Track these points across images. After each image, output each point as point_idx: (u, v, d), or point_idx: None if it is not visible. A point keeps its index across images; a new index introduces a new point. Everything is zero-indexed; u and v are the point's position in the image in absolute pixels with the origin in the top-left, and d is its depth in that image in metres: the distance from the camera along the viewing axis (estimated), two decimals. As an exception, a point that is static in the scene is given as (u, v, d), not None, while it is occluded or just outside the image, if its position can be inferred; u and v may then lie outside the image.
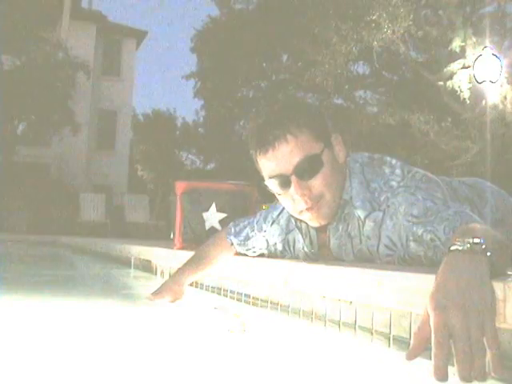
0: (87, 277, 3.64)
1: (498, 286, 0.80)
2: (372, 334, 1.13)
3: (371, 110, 14.99)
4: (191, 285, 1.91)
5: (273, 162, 1.31)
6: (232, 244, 1.78)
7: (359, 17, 10.62)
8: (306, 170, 1.30)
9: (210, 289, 2.09)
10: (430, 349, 0.70)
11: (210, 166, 24.23)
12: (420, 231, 1.23)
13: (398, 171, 1.37)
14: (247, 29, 15.84)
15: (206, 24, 18.24)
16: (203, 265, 1.77)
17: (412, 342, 0.75)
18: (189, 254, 1.89)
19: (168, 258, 2.72)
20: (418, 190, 1.29)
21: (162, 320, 1.59)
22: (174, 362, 1.06)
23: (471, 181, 1.87)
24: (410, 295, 1.00)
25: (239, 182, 3.00)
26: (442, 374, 0.68)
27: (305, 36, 12.05)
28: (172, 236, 3.55)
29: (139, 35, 21.66)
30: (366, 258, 1.39)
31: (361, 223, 1.37)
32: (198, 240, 2.47)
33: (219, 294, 1.98)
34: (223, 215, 2.77)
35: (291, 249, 1.60)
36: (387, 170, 1.38)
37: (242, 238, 1.75)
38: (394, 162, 1.41)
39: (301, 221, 1.47)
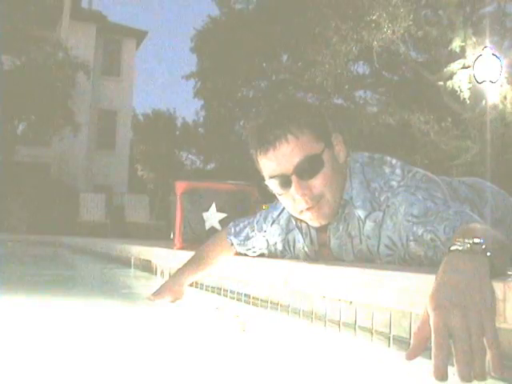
0: (87, 277, 3.64)
1: (497, 286, 0.80)
2: (372, 334, 1.13)
3: (371, 109, 15.00)
4: (191, 285, 1.91)
5: (273, 162, 1.31)
6: (232, 244, 1.78)
7: (359, 17, 10.62)
8: (307, 169, 1.30)
9: (209, 289, 2.09)
10: (430, 349, 0.70)
11: (210, 166, 24.25)
12: (420, 231, 1.23)
13: (398, 171, 1.37)
14: (247, 29, 15.85)
15: (206, 24, 18.24)
16: (203, 265, 1.77)
17: (412, 341, 0.75)
18: (189, 254, 1.90)
19: (168, 257, 2.72)
20: (419, 190, 1.29)
21: (162, 320, 1.59)
22: (174, 362, 1.06)
23: (471, 181, 1.87)
24: (410, 295, 1.00)
25: (239, 182, 3.00)
26: (441, 374, 0.68)
27: (305, 36, 12.05)
28: (172, 236, 3.55)
29: (139, 35, 21.66)
30: (366, 258, 1.39)
31: (361, 223, 1.37)
32: (198, 240, 2.47)
33: (219, 294, 1.98)
34: (223, 215, 2.77)
35: (291, 249, 1.60)
36: (387, 170, 1.38)
37: (242, 237, 1.75)
38: (394, 161, 1.41)
39: (301, 221, 1.47)
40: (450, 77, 10.71)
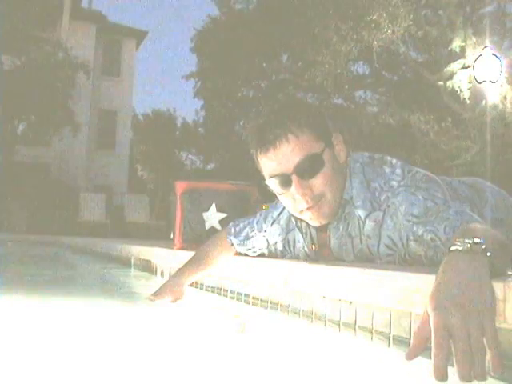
0: (87, 277, 3.64)
1: (497, 286, 0.80)
2: (372, 334, 1.13)
3: (371, 109, 14.99)
4: (191, 285, 1.91)
5: (274, 162, 1.31)
6: (232, 244, 1.78)
7: (359, 17, 10.62)
8: (307, 169, 1.30)
9: (209, 289, 2.09)
10: (430, 348, 0.70)
11: (210, 166, 24.24)
12: (420, 231, 1.23)
13: (398, 171, 1.37)
14: (247, 29, 15.83)
15: (206, 24, 18.23)
16: (203, 265, 1.77)
17: (412, 341, 0.75)
18: (189, 254, 1.89)
19: (168, 257, 2.72)
20: (419, 190, 1.29)
21: (162, 320, 1.59)
22: (175, 362, 1.06)
23: (471, 180, 1.87)
24: (410, 295, 1.00)
25: (239, 182, 3.00)
26: (441, 374, 0.68)
27: (305, 36, 12.04)
28: (172, 236, 3.55)
29: (139, 35, 21.66)
30: (366, 258, 1.39)
31: (361, 223, 1.37)
32: (198, 240, 2.47)
33: (219, 294, 1.98)
34: (223, 215, 2.77)
35: (291, 248, 1.60)
36: (388, 170, 1.38)
37: (242, 237, 1.75)
38: (394, 161, 1.41)
39: (301, 220, 1.47)
40: (450, 77, 10.71)
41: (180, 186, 2.94)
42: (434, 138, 11.36)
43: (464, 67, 10.39)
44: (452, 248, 0.87)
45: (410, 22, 10.43)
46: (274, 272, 1.52)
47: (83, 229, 11.92)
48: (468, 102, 10.51)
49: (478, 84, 8.95)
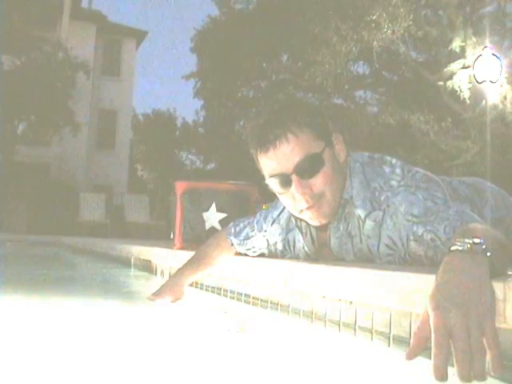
0: (87, 277, 3.64)
1: (497, 286, 0.80)
2: (372, 334, 1.13)
3: (371, 109, 15.01)
4: (191, 285, 1.91)
5: (274, 161, 1.31)
6: (232, 244, 1.78)
7: (359, 17, 10.62)
8: (307, 168, 1.30)
9: (209, 289, 2.09)
10: (430, 348, 0.70)
11: (210, 166, 24.25)
12: (420, 231, 1.23)
13: (398, 171, 1.37)
14: (247, 29, 15.85)
15: (206, 24, 18.24)
16: (203, 265, 1.77)
17: (412, 341, 0.75)
18: (189, 254, 1.89)
19: (168, 257, 2.72)
20: (419, 190, 1.29)
21: (162, 320, 1.59)
22: (174, 362, 1.06)
23: (471, 180, 1.87)
24: (410, 295, 1.00)
25: (239, 182, 3.00)
26: (441, 374, 0.68)
27: (305, 36, 12.05)
28: (172, 236, 3.55)
29: (139, 35, 21.67)
30: (366, 257, 1.39)
31: (361, 222, 1.37)
32: (198, 240, 2.47)
33: (219, 294, 1.98)
34: (223, 215, 2.77)
35: (291, 248, 1.60)
36: (387, 170, 1.38)
37: (242, 237, 1.75)
38: (394, 161, 1.41)
39: (301, 220, 1.47)
40: (450, 77, 10.71)
41: (180, 186, 2.94)
42: (434, 137, 11.36)
43: (464, 67, 10.39)
44: (452, 248, 0.87)
45: (410, 22, 10.43)
46: (274, 272, 1.52)
47: (83, 229, 11.92)
48: (468, 101, 10.51)
49: (477, 84, 8.95)
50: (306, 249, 1.53)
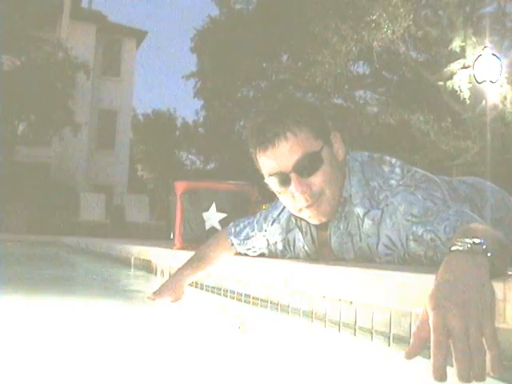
0: (87, 277, 3.64)
1: (497, 286, 0.80)
2: (372, 334, 1.13)
3: (371, 109, 14.99)
4: (191, 285, 1.91)
5: (272, 160, 1.32)
6: (232, 244, 1.78)
7: (359, 17, 10.62)
8: (306, 167, 1.30)
9: (209, 289, 2.09)
10: (430, 348, 0.70)
11: (210, 166, 24.24)
12: (420, 231, 1.23)
13: (397, 170, 1.37)
14: (247, 29, 15.84)
15: (206, 24, 18.24)
16: (203, 265, 1.77)
17: (411, 341, 0.75)
18: (189, 254, 1.89)
19: (168, 257, 2.72)
20: (418, 190, 1.29)
21: (162, 320, 1.59)
22: (174, 362, 1.06)
23: (471, 180, 1.87)
24: (410, 295, 1.00)
25: (239, 182, 3.00)
26: (440, 374, 0.68)
27: (305, 36, 12.04)
28: (172, 236, 3.55)
29: (139, 35, 21.66)
30: (366, 256, 1.39)
31: (360, 221, 1.37)
32: (198, 240, 2.47)
33: (219, 294, 1.98)
34: (223, 215, 2.77)
35: (292, 248, 1.60)
36: (387, 169, 1.38)
37: (242, 237, 1.75)
38: (393, 161, 1.41)
39: (301, 219, 1.47)
40: (450, 77, 10.70)
41: (180, 186, 2.94)
42: (434, 138, 11.35)
43: (464, 67, 10.38)
44: (453, 248, 0.87)
45: (410, 22, 10.42)
46: (274, 272, 1.52)
47: (83, 229, 11.92)
48: (468, 102, 10.51)
49: (477, 84, 8.94)
50: (306, 248, 1.53)
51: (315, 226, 1.46)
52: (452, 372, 0.68)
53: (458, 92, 10.55)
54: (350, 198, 1.38)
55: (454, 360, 0.68)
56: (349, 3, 10.74)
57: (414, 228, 1.25)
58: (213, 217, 2.78)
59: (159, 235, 11.48)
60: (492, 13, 11.25)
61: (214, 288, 2.05)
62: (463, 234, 0.90)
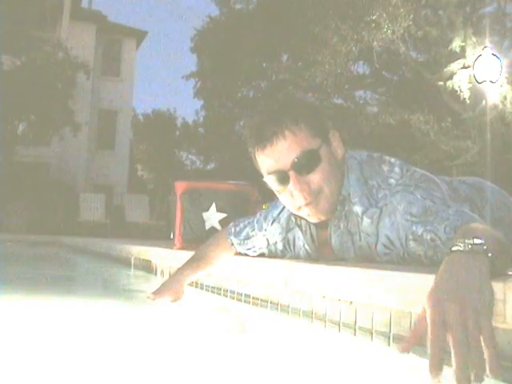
0: (87, 277, 3.64)
1: (497, 286, 0.80)
2: (372, 334, 1.13)
3: (371, 109, 14.99)
4: (191, 285, 1.91)
5: (271, 158, 1.32)
6: (232, 244, 1.78)
7: (359, 17, 10.61)
8: (304, 165, 1.30)
9: (209, 289, 2.09)
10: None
11: (210, 166, 24.23)
12: (420, 231, 1.23)
13: (396, 169, 1.37)
14: (247, 29, 15.83)
15: (206, 24, 18.23)
16: (203, 265, 1.77)
17: (409, 336, 0.75)
18: (189, 254, 1.89)
19: (168, 257, 2.72)
20: (417, 189, 1.29)
21: (162, 320, 1.59)
22: (174, 362, 1.06)
23: (471, 180, 1.87)
24: (410, 295, 1.00)
25: (239, 181, 3.00)
26: (436, 371, 0.67)
27: (305, 36, 12.04)
28: (172, 236, 3.55)
29: (139, 35, 21.66)
30: (366, 255, 1.39)
31: (359, 219, 1.37)
32: (198, 240, 2.47)
33: (219, 294, 1.98)
34: (223, 215, 2.77)
35: (292, 247, 1.60)
36: (386, 168, 1.38)
37: (242, 237, 1.75)
38: (392, 160, 1.41)
39: (301, 218, 1.47)
40: (450, 77, 10.70)
41: (180, 186, 2.94)
42: (434, 138, 11.35)
43: (464, 67, 10.38)
44: (453, 248, 0.87)
45: (410, 22, 10.42)
46: (274, 272, 1.52)
47: (83, 229, 11.93)
48: (468, 101, 10.50)
49: (477, 84, 8.94)
50: (306, 247, 1.53)
51: (315, 225, 1.46)
52: (452, 372, 0.68)
53: (458, 92, 10.55)
54: (348, 196, 1.38)
55: (453, 360, 0.68)
56: (349, 3, 10.73)
57: (414, 228, 1.24)
58: (213, 217, 2.78)
59: (159, 235, 11.48)
60: (492, 13, 11.25)
61: (213, 288, 2.05)
62: (464, 234, 0.90)
